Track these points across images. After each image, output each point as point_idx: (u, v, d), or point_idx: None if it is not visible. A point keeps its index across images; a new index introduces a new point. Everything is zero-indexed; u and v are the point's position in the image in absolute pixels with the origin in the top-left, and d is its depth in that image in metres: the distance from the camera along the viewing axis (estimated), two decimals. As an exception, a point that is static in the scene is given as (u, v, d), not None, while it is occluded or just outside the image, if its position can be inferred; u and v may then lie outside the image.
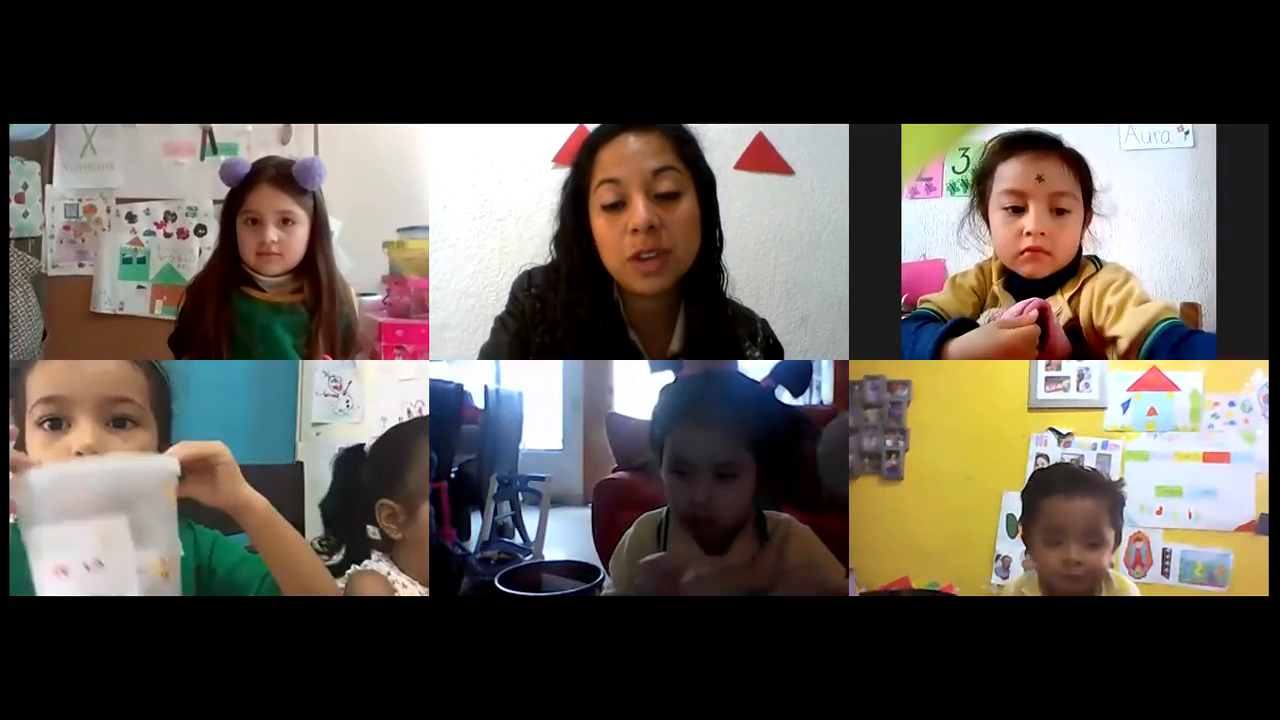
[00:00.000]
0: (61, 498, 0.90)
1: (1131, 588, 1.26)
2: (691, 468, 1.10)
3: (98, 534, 0.90)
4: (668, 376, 1.20)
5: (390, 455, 1.23)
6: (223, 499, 0.95)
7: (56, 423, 1.00)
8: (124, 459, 0.97)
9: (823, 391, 2.71)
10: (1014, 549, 1.83)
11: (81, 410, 0.99)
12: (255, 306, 1.56)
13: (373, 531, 1.20)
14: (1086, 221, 1.37)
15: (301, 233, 1.57)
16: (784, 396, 1.19)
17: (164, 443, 1.07)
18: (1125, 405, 1.76)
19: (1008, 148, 1.36)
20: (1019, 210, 1.34)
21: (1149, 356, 1.28)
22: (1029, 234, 1.33)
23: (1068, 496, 1.23)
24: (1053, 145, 1.35)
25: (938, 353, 1.31)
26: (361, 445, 1.26)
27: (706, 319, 1.30)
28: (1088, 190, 1.36)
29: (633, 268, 1.23)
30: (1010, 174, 1.35)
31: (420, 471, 1.20)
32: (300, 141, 2.27)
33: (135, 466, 0.95)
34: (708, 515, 1.11)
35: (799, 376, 1.18)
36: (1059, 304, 1.34)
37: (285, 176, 1.56)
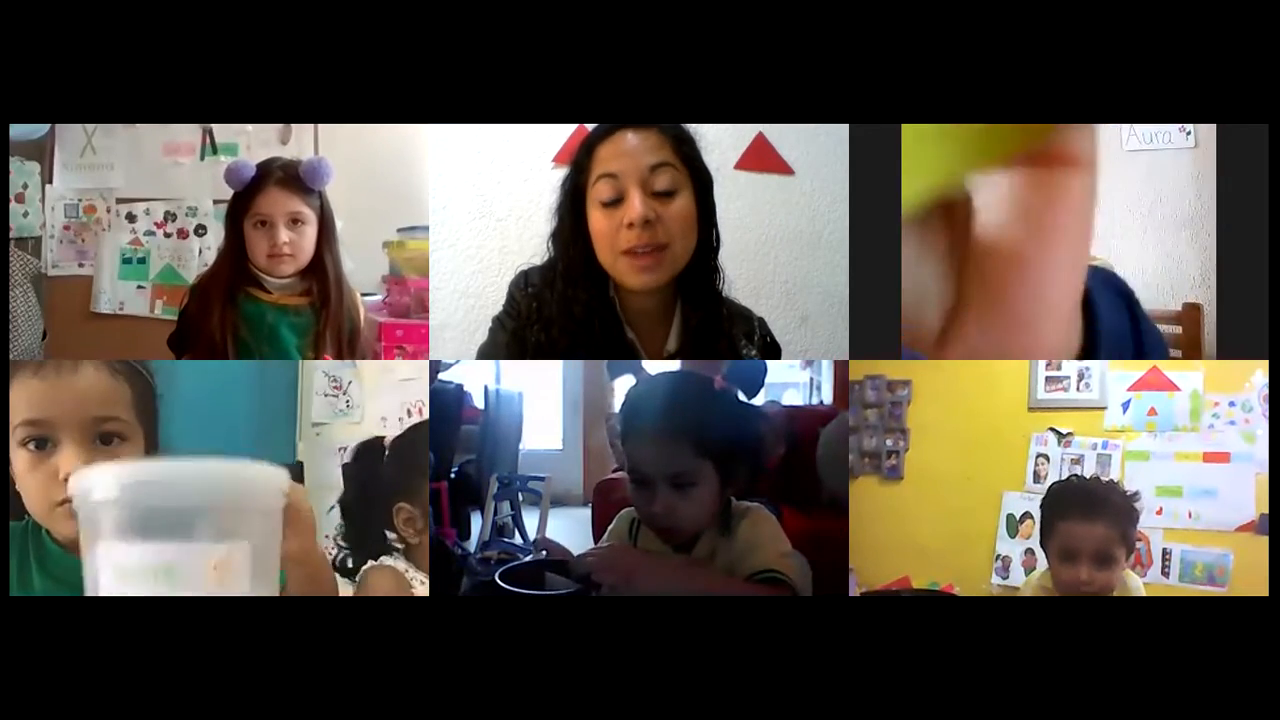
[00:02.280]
0: (147, 507, 0.70)
1: (1139, 588, 1.27)
2: (648, 479, 1.09)
3: (210, 565, 0.72)
4: (629, 380, 1.19)
5: (413, 455, 1.20)
6: (292, 548, 0.82)
7: (41, 443, 0.97)
8: (224, 464, 0.77)
9: (823, 391, 2.71)
10: (1014, 549, 1.83)
11: (66, 432, 0.97)
12: (262, 308, 1.55)
13: (392, 537, 1.18)
14: None
15: (311, 233, 1.56)
16: (740, 396, 1.17)
17: (151, 448, 1.05)
18: (1125, 405, 1.76)
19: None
20: None
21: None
22: None
23: (1080, 521, 1.24)
24: None
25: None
26: (381, 438, 1.23)
27: (703, 317, 1.30)
28: None
29: (627, 262, 1.23)
30: None
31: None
32: (300, 141, 2.27)
33: (244, 473, 0.77)
34: (668, 525, 1.10)
35: (751, 378, 1.17)
36: None
37: (293, 177, 1.54)
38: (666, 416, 1.10)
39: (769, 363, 1.35)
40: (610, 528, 1.21)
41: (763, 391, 1.20)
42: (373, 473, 1.20)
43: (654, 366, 1.23)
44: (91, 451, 0.97)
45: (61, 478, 0.96)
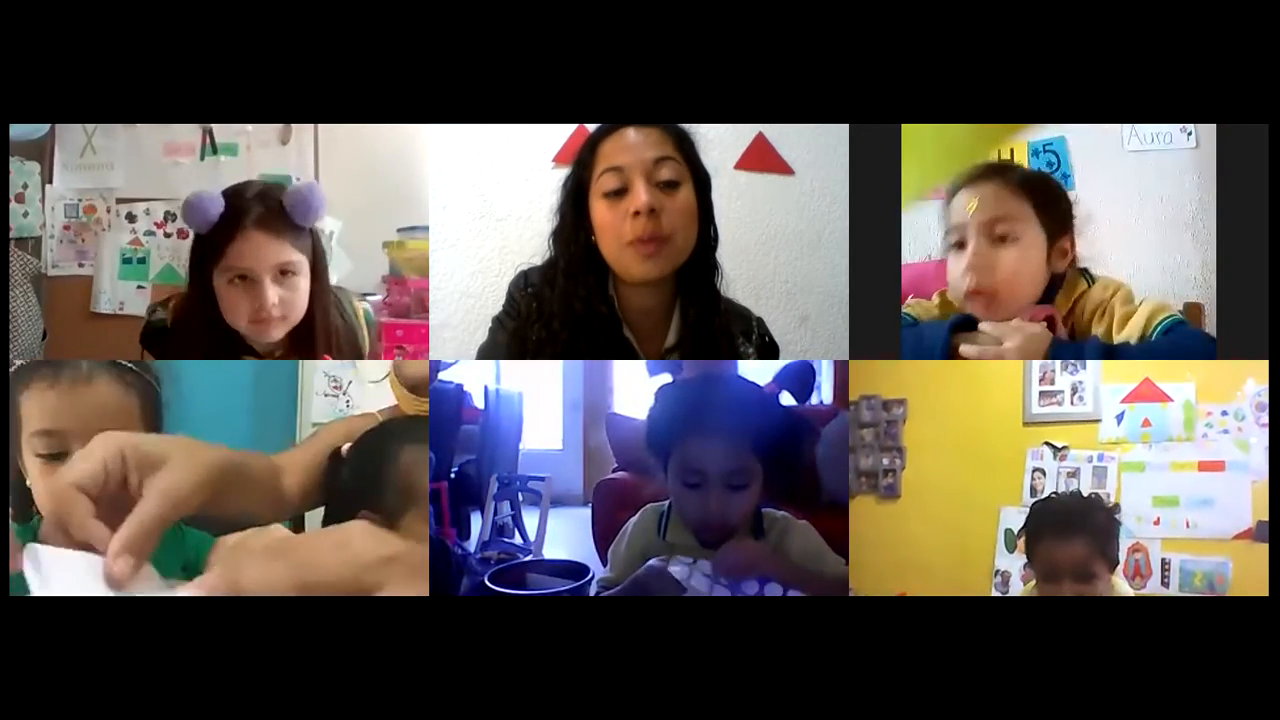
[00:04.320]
0: None
1: (1124, 588, 1.27)
2: (704, 479, 1.10)
3: None
4: (665, 378, 1.19)
5: (366, 462, 1.10)
6: None
7: (55, 453, 0.99)
8: None
9: (823, 392, 2.71)
10: (1013, 564, 1.82)
11: (78, 443, 0.97)
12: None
13: None
14: (1060, 246, 1.23)
15: (304, 285, 1.27)
16: (788, 401, 1.18)
17: None
18: (1119, 417, 1.76)
19: (953, 191, 1.27)
20: (962, 245, 1.23)
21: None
22: (965, 271, 1.21)
23: (1058, 541, 1.23)
24: (996, 173, 1.25)
25: (947, 350, 1.23)
26: (339, 449, 1.12)
27: (702, 311, 1.30)
28: (1048, 208, 1.22)
29: (632, 252, 1.24)
30: (955, 212, 1.26)
31: (402, 478, 1.07)
32: (300, 141, 2.27)
33: None
34: (720, 522, 1.11)
35: (803, 381, 1.17)
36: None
37: (275, 214, 1.23)
38: (726, 417, 1.11)
39: (769, 363, 1.35)
40: (632, 521, 1.21)
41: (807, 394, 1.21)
42: (334, 484, 1.09)
43: (694, 367, 1.23)
44: None
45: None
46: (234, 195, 1.23)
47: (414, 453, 1.10)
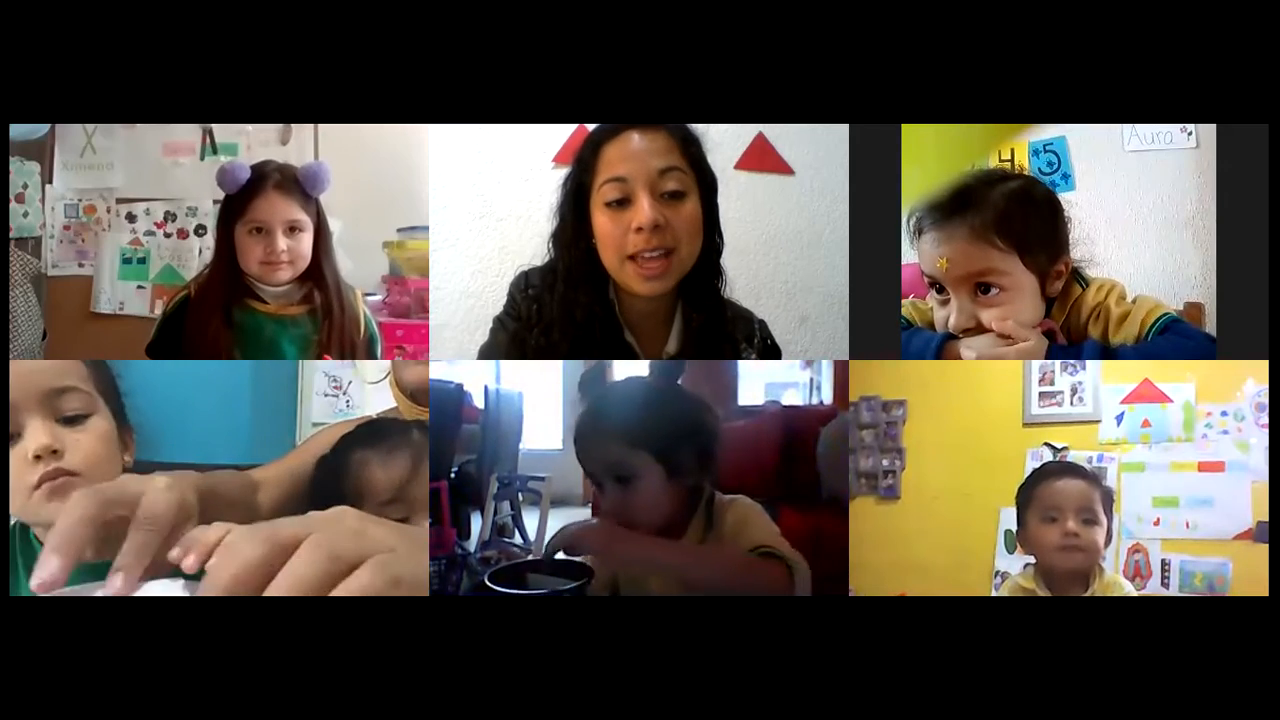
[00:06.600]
0: None
1: (1126, 586, 1.27)
2: (597, 478, 1.11)
3: None
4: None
5: (327, 469, 1.13)
6: None
7: (11, 435, 0.97)
8: None
9: (823, 392, 2.71)
10: (1013, 565, 1.82)
11: (27, 413, 0.97)
12: (260, 320, 1.50)
13: None
14: (1054, 271, 1.18)
15: (308, 240, 1.51)
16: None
17: (124, 428, 1.06)
18: (1119, 418, 1.76)
19: (919, 228, 1.20)
20: (942, 291, 1.19)
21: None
22: (953, 329, 1.18)
23: (1061, 478, 1.27)
24: (964, 212, 1.15)
25: (940, 352, 1.22)
26: (325, 455, 1.16)
27: (705, 321, 1.29)
28: (1033, 248, 1.15)
29: (634, 268, 1.22)
30: (925, 258, 1.20)
31: (353, 485, 1.09)
32: (300, 141, 2.27)
33: None
34: (624, 520, 1.10)
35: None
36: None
37: (290, 182, 1.49)
38: (595, 415, 1.12)
39: (770, 363, 1.35)
40: None
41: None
42: (315, 492, 1.11)
43: (626, 369, 1.23)
44: (58, 428, 0.97)
45: (31, 456, 0.96)
46: (259, 167, 1.50)
47: (366, 456, 1.12)
